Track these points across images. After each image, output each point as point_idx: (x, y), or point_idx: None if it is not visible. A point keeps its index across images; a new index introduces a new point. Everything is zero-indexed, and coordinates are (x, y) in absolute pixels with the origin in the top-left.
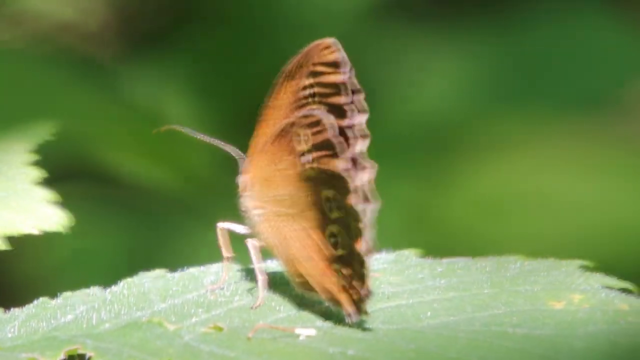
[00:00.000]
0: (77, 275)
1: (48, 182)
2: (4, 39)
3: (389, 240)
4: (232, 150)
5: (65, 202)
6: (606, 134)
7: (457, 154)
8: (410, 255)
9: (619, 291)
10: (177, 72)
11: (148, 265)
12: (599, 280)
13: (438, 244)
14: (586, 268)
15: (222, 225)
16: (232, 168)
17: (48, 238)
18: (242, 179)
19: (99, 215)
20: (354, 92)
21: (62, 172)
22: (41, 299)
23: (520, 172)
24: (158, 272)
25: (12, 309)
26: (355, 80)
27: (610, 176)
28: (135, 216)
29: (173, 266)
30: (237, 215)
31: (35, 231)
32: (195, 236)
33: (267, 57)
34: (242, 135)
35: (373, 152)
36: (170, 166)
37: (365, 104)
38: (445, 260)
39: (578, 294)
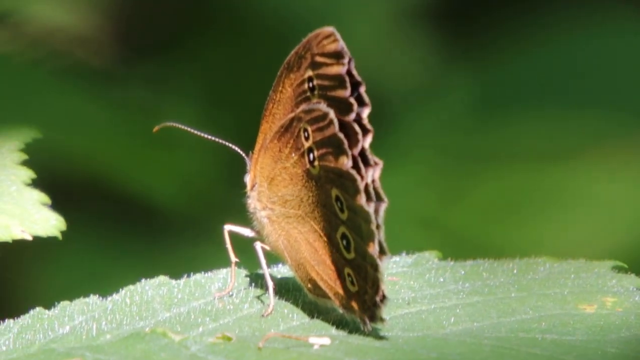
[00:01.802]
0: (73, 285)
1: (39, 188)
2: None
3: (399, 248)
4: (237, 148)
5: (57, 211)
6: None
7: (472, 160)
8: (430, 257)
9: None
10: (179, 77)
11: (148, 274)
12: (633, 281)
13: (451, 252)
14: (619, 269)
15: (229, 228)
16: (237, 169)
17: (39, 244)
18: (249, 178)
19: (95, 226)
20: (355, 84)
21: (54, 181)
22: (37, 309)
23: (540, 178)
24: (161, 279)
25: (5, 320)
26: (355, 72)
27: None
28: (134, 226)
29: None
30: (242, 222)
31: (27, 236)
32: (197, 246)
33: (274, 60)
34: (252, 141)
35: (384, 156)
36: (171, 174)
37: (367, 97)
38: (468, 263)
39: (610, 297)
